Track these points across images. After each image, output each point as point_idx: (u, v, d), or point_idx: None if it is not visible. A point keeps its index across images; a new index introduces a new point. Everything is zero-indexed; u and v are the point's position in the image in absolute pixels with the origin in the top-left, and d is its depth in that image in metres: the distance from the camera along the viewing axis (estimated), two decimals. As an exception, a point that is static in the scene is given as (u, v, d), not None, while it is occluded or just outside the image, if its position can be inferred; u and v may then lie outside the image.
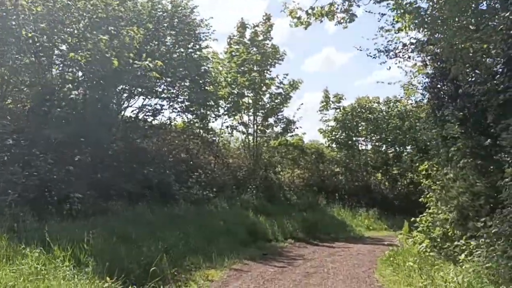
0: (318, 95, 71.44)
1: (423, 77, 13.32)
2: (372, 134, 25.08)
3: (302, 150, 22.25)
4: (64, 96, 11.65)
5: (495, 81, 8.34)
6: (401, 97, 26.25)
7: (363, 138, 25.14)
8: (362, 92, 76.49)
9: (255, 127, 20.81)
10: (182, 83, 16.15)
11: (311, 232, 15.45)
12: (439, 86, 11.57)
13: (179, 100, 16.54)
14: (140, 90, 14.96)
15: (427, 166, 11.12)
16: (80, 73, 12.65)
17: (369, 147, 25.66)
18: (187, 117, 18.34)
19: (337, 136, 24.99)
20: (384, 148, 25.68)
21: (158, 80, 14.71)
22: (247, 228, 12.68)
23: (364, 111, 25.01)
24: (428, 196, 10.96)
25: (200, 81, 16.50)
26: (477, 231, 7.37)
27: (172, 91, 16.21)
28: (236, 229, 12.01)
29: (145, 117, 15.37)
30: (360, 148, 25.30)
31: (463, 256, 7.17)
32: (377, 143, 25.45)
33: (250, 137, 20.82)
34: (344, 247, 12.58)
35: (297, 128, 21.07)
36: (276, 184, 19.91)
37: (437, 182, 10.51)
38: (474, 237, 7.46)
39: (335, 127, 24.96)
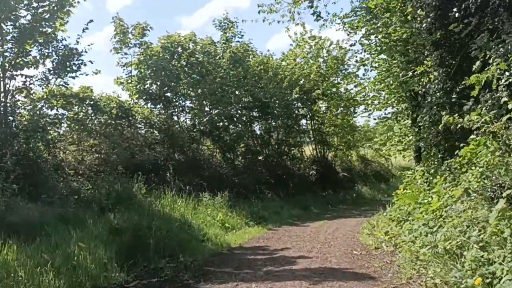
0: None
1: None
2: (196, 87, 17.50)
3: (96, 105, 13.03)
4: None
5: None
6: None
7: (186, 91, 17.34)
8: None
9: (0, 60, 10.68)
10: None
11: (139, 262, 7.04)
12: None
13: None
14: None
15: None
16: None
17: (193, 104, 18.11)
18: None
19: (146, 87, 16.56)
20: (210, 106, 18.51)
21: None
22: None
23: (182, 51, 17.22)
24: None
25: None
26: None
27: None
28: None
29: None
30: (182, 105, 17.49)
31: None
32: (202, 99, 18.05)
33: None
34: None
35: (85, 64, 11.80)
36: (48, 165, 10.41)
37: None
38: None
39: (143, 74, 16.44)
